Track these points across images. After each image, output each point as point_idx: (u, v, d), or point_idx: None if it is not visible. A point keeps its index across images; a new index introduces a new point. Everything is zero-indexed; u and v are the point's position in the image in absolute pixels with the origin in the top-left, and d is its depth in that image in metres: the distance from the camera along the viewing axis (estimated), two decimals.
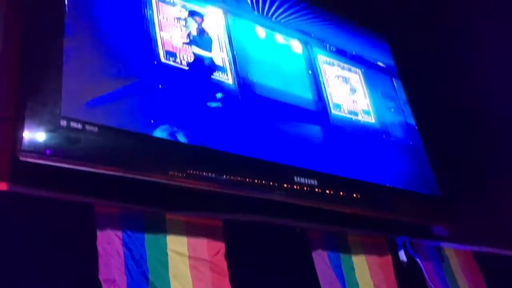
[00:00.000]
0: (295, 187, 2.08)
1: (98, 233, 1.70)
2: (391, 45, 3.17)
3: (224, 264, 1.94)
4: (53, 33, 1.69)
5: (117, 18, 1.91)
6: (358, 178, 2.36)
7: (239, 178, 1.91)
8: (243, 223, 2.05)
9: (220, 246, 1.97)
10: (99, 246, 1.68)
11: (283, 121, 2.26)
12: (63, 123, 1.53)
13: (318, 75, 2.58)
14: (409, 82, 3.06)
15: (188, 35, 2.11)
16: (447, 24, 3.28)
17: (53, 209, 1.65)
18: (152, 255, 1.79)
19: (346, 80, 2.72)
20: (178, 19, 2.13)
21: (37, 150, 1.47)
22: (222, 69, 2.15)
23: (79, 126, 1.56)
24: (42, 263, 1.57)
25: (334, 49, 2.78)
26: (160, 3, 2.09)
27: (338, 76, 2.70)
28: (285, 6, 2.65)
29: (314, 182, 2.14)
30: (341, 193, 2.23)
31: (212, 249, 1.94)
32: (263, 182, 1.98)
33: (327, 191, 2.18)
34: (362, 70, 2.87)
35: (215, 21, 2.28)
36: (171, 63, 1.99)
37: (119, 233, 1.75)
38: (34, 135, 1.48)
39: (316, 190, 2.14)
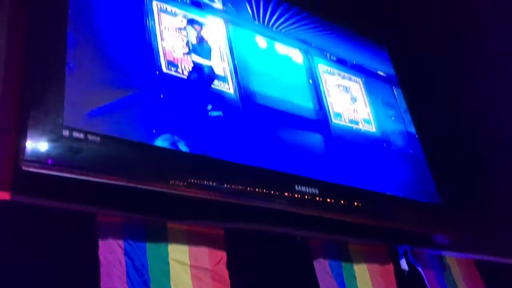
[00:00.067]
0: (296, 195, 2.08)
1: (100, 242, 1.70)
2: (391, 54, 3.19)
3: (225, 273, 1.94)
4: (55, 44, 1.70)
5: (119, 29, 1.93)
6: (359, 187, 2.36)
7: (240, 187, 1.92)
8: (245, 232, 2.05)
9: (222, 255, 1.97)
10: (100, 256, 1.68)
11: (284, 130, 2.27)
12: (66, 132, 1.55)
13: (319, 84, 2.60)
14: (409, 91, 3.07)
15: (188, 43, 2.13)
16: (447, 33, 3.29)
17: (55, 218, 1.66)
18: (153, 264, 1.79)
19: (346, 89, 2.74)
20: (180, 29, 2.15)
21: (39, 159, 1.48)
22: (223, 79, 2.17)
23: (81, 135, 1.57)
24: (44, 272, 1.57)
25: (334, 59, 2.79)
26: (161, 14, 2.11)
27: (339, 85, 2.71)
28: (286, 16, 2.67)
29: (315, 190, 2.14)
30: (342, 202, 2.24)
31: (213, 258, 1.94)
32: (264, 190, 1.99)
33: (328, 200, 2.18)
34: (363, 79, 2.88)
35: (216, 31, 2.30)
36: (173, 73, 2.01)
37: (121, 242, 1.75)
38: (37, 144, 1.49)
39: (317, 198, 2.15)
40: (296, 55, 2.60)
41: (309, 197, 2.12)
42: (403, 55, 3.23)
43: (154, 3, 2.11)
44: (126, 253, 1.75)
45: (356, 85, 2.82)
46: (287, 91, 2.41)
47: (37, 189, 1.60)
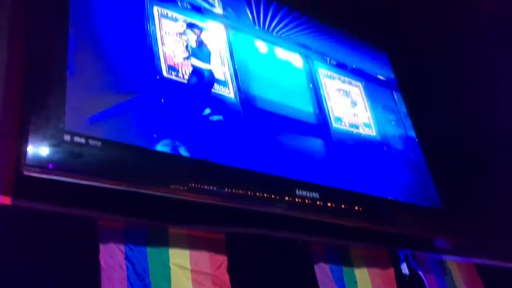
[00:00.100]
0: (296, 200, 2.08)
1: (101, 246, 1.70)
2: (391, 59, 3.20)
3: (226, 278, 1.94)
4: (56, 49, 1.71)
5: (120, 34, 1.94)
6: (360, 191, 2.36)
7: (240, 191, 1.92)
8: (246, 236, 2.05)
9: (223, 259, 1.97)
10: (101, 260, 1.68)
11: (284, 135, 2.27)
12: (67, 137, 1.55)
13: (319, 88, 2.60)
14: (409, 95, 3.08)
15: (187, 47, 2.14)
16: (447, 38, 3.30)
17: (56, 223, 1.66)
18: (154, 268, 1.79)
19: (346, 93, 2.74)
20: (180, 34, 2.15)
21: (40, 164, 1.49)
22: (223, 83, 2.18)
23: (82, 140, 1.58)
24: (45, 276, 1.57)
25: (334, 63, 2.80)
26: (162, 19, 2.12)
27: (339, 90, 2.72)
28: (286, 20, 2.68)
29: (315, 195, 2.15)
30: (342, 206, 2.24)
31: (214, 263, 1.94)
32: (265, 195, 1.99)
33: (329, 204, 2.18)
34: (363, 83, 2.89)
35: (216, 35, 2.31)
36: (173, 77, 2.01)
37: (122, 247, 1.75)
38: (38, 149, 1.49)
39: (318, 203, 2.15)
40: (296, 60, 2.61)
41: (310, 202, 2.12)
42: (403, 59, 3.24)
43: (155, 8, 2.11)
44: (127, 258, 1.75)
45: (356, 89, 2.83)
46: (287, 95, 2.42)
47: (38, 193, 1.60)
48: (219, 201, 1.88)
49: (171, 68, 2.02)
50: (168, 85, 1.97)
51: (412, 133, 2.92)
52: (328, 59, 2.78)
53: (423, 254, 2.70)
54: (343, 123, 2.59)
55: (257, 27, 2.52)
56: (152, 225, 1.85)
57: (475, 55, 3.20)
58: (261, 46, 2.47)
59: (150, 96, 1.88)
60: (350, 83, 2.82)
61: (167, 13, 2.15)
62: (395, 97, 3.02)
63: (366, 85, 2.89)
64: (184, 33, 2.16)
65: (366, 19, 3.15)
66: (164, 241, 1.86)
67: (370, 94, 2.87)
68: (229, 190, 1.90)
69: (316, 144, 2.40)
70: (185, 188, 1.78)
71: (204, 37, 2.23)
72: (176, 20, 2.17)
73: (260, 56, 2.44)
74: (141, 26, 2.02)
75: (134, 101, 1.82)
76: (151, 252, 1.81)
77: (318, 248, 2.32)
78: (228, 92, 2.17)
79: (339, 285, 2.29)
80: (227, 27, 2.37)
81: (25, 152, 1.47)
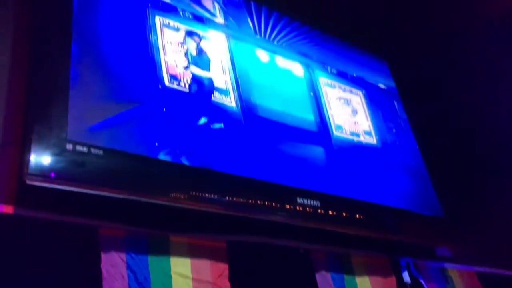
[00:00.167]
0: (297, 208, 2.09)
1: (102, 255, 1.71)
2: (391, 67, 3.22)
3: (227, 286, 1.94)
4: (59, 58, 1.73)
5: (123, 43, 1.95)
6: (361, 199, 2.36)
7: (241, 200, 1.93)
8: (247, 244, 2.05)
9: (224, 267, 1.96)
10: (103, 269, 1.69)
11: (285, 143, 2.28)
12: (69, 146, 1.56)
13: (320, 97, 2.61)
14: (410, 103, 3.08)
15: (187, 55, 2.15)
16: (447, 46, 3.32)
17: (58, 231, 1.66)
18: (156, 277, 1.79)
19: (347, 101, 2.76)
20: (182, 43, 2.17)
21: (43, 173, 1.49)
22: (225, 92, 2.19)
23: (85, 149, 1.59)
24: (47, 285, 1.57)
25: (335, 71, 2.82)
26: (164, 28, 2.13)
27: (340, 98, 2.73)
28: (287, 29, 2.70)
29: (316, 203, 2.15)
30: (344, 214, 2.24)
31: (215, 271, 1.94)
32: (266, 203, 1.99)
33: (330, 212, 2.19)
34: (363, 91, 2.90)
35: (218, 45, 2.33)
36: (175, 86, 2.03)
37: (123, 256, 1.75)
38: (41, 158, 1.50)
39: (319, 211, 2.15)
40: (297, 68, 2.62)
41: (311, 210, 2.12)
42: (404, 67, 3.26)
43: (157, 18, 2.13)
44: (128, 267, 1.75)
45: (357, 98, 2.84)
46: (288, 104, 2.43)
47: (40, 202, 1.61)
48: (220, 209, 1.88)
49: (173, 77, 2.04)
50: (169, 94, 1.98)
51: (413, 141, 2.93)
52: (328, 68, 2.80)
53: (424, 262, 2.70)
54: (344, 131, 2.60)
55: (258, 36, 2.54)
56: (154, 234, 1.86)
57: (476, 64, 3.21)
58: (262, 55, 2.49)
59: (152, 105, 1.89)
60: (350, 91, 2.83)
61: (169, 23, 2.17)
62: (396, 105, 3.03)
63: (366, 94, 2.90)
64: (184, 41, 2.18)
65: (367, 28, 3.17)
66: (165, 250, 1.86)
67: (371, 103, 2.88)
68: (230, 198, 1.90)
69: (317, 152, 2.41)
70: (186, 197, 1.79)
71: (204, 45, 2.24)
72: (177, 29, 2.19)
73: (261, 65, 2.46)
74: (143, 36, 2.04)
75: (136, 110, 1.83)
76: (153, 260, 1.81)
77: (320, 256, 2.32)
78: (229, 101, 2.18)
79: None
80: (228, 36, 2.39)
81: (28, 161, 1.48)
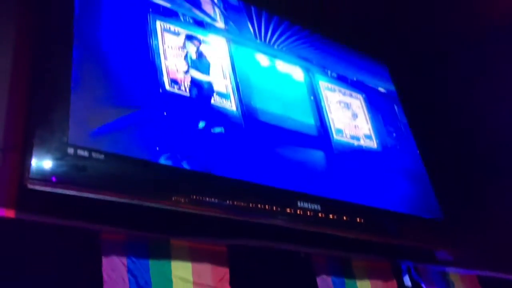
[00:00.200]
0: (298, 212, 2.09)
1: (103, 259, 1.71)
2: (391, 71, 3.22)
3: None
4: (61, 63, 1.74)
5: (124, 48, 1.96)
6: (362, 203, 2.36)
7: (242, 204, 1.93)
8: (248, 248, 2.05)
9: (225, 271, 1.97)
10: (104, 273, 1.69)
11: (286, 147, 2.28)
12: (71, 151, 1.57)
13: (320, 101, 2.62)
14: (410, 107, 3.09)
15: (187, 59, 2.16)
16: (447, 49, 3.33)
17: (59, 236, 1.67)
18: (157, 281, 1.79)
19: (347, 105, 2.76)
20: (182, 48, 2.18)
21: (44, 177, 1.50)
22: (225, 96, 2.19)
23: (86, 153, 1.59)
24: None
25: (335, 75, 2.82)
26: (165, 33, 2.14)
27: (340, 102, 2.73)
28: (287, 34, 2.71)
29: (317, 207, 2.15)
30: (344, 218, 2.24)
31: (216, 275, 1.94)
32: (266, 207, 1.99)
33: (331, 216, 2.19)
34: (363, 95, 2.91)
35: (218, 49, 2.33)
36: (176, 90, 2.03)
37: (124, 260, 1.76)
38: (42, 163, 1.51)
39: (320, 215, 2.15)
40: (297, 72, 2.63)
41: (312, 214, 2.12)
42: (404, 71, 3.26)
43: (158, 23, 2.14)
44: (129, 271, 1.75)
45: (357, 102, 2.84)
46: (288, 108, 2.44)
47: (41, 206, 1.62)
48: (220, 213, 1.89)
49: (173, 81, 2.05)
50: (170, 99, 1.99)
51: (413, 145, 2.93)
52: (328, 72, 2.80)
53: (425, 266, 2.69)
54: (344, 135, 2.60)
55: (258, 41, 2.55)
56: (154, 238, 1.86)
57: (476, 67, 3.22)
58: (263, 59, 2.50)
59: (153, 110, 1.90)
60: (351, 95, 2.83)
61: (169, 28, 2.18)
62: (396, 109, 3.03)
63: (367, 97, 2.91)
64: (184, 45, 2.19)
65: (366, 32, 3.18)
66: (166, 254, 1.86)
67: (371, 106, 2.88)
68: (231, 202, 1.90)
69: (317, 156, 2.41)
70: (187, 201, 1.79)
71: (203, 49, 2.25)
72: (178, 34, 2.20)
73: (261, 69, 2.46)
74: (144, 41, 2.05)
75: (137, 114, 1.84)
76: (154, 265, 1.81)
77: (320, 260, 2.32)
78: (230, 105, 2.19)
79: None
80: (229, 40, 2.40)
81: (29, 165, 1.48)
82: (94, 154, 1.61)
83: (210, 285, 1.90)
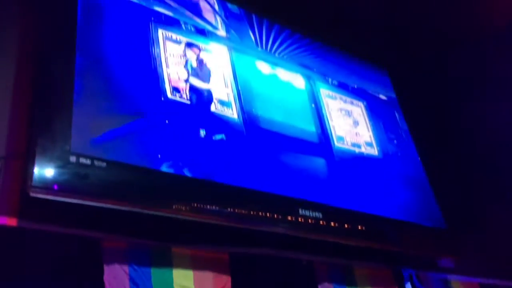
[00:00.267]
0: (299, 219, 2.08)
1: (105, 267, 1.71)
2: (392, 78, 3.23)
3: None
4: (64, 72, 1.75)
5: (126, 56, 1.97)
6: (363, 210, 2.36)
7: (243, 211, 1.93)
8: (249, 256, 2.05)
9: (226, 279, 1.96)
10: (106, 281, 1.69)
11: (287, 154, 2.28)
12: (73, 159, 1.57)
13: (321, 108, 2.63)
14: (410, 114, 3.09)
15: (186, 66, 2.17)
16: (448, 56, 3.34)
17: (61, 244, 1.67)
18: None
19: (348, 113, 2.77)
20: (183, 55, 2.19)
21: (47, 186, 1.50)
22: (227, 104, 2.20)
23: (88, 161, 1.60)
24: None
25: (336, 83, 2.83)
26: (166, 41, 2.16)
27: (341, 109, 2.74)
28: (288, 42, 2.73)
29: (318, 214, 2.15)
30: (346, 226, 2.24)
31: (218, 283, 1.94)
32: (268, 214, 1.99)
33: (332, 224, 2.18)
34: (364, 103, 2.91)
35: (220, 57, 2.35)
36: (178, 98, 2.04)
37: (126, 268, 1.76)
38: (45, 171, 1.51)
39: (321, 222, 2.15)
40: (298, 80, 2.64)
41: (313, 221, 2.12)
42: (404, 78, 3.27)
43: (160, 31, 2.16)
44: (131, 279, 1.75)
45: (358, 109, 2.85)
46: (290, 115, 2.44)
47: (43, 215, 1.62)
48: (222, 221, 1.88)
49: (175, 89, 2.05)
50: (172, 106, 2.00)
51: (414, 152, 2.93)
52: (329, 79, 2.81)
53: (427, 274, 2.69)
54: (345, 142, 2.61)
55: (259, 49, 2.56)
56: (156, 246, 1.86)
57: (476, 73, 3.23)
58: (264, 67, 2.51)
59: (155, 118, 1.90)
60: (351, 103, 2.84)
61: (171, 36, 2.20)
62: (397, 116, 3.04)
63: (367, 105, 2.92)
64: (184, 53, 2.20)
65: (367, 39, 3.19)
66: (168, 262, 1.86)
67: (372, 114, 2.89)
68: (232, 209, 1.90)
69: (318, 163, 2.41)
70: (188, 208, 1.79)
71: (204, 56, 2.26)
72: (180, 42, 2.22)
73: (262, 77, 2.47)
74: (146, 49, 2.06)
75: (139, 122, 1.84)
76: (155, 273, 1.81)
77: (322, 267, 2.31)
78: (231, 113, 2.20)
79: None
80: (230, 49, 2.41)
81: (32, 173, 1.49)
82: (96, 162, 1.61)
83: None
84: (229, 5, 2.59)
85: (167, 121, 1.93)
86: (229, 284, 1.96)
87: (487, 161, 3.10)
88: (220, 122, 2.12)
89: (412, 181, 2.79)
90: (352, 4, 3.04)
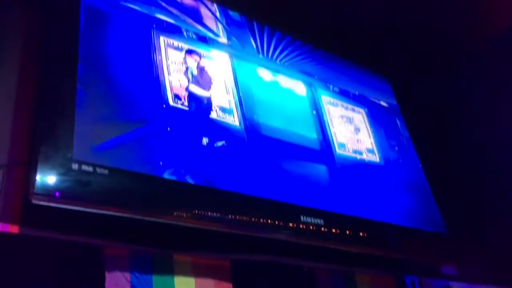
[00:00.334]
0: (301, 226, 2.08)
1: (107, 275, 1.71)
2: (393, 85, 3.24)
3: None
4: (66, 79, 1.75)
5: (128, 63, 1.98)
6: (365, 217, 2.36)
7: (244, 218, 1.93)
8: (251, 263, 2.05)
9: (228, 286, 1.96)
10: None
11: (288, 161, 2.29)
12: (75, 166, 1.58)
13: (322, 115, 2.63)
14: (411, 121, 3.10)
15: (187, 73, 2.17)
16: (449, 64, 3.35)
17: (62, 251, 1.67)
18: None
19: (350, 119, 2.77)
20: (184, 63, 2.20)
21: (49, 193, 1.51)
22: (228, 111, 2.21)
23: (90, 169, 1.60)
24: None
25: (337, 90, 2.84)
26: (168, 49, 2.17)
27: (342, 116, 2.75)
28: (289, 49, 2.74)
29: (320, 221, 2.15)
30: (347, 232, 2.23)
31: None
32: (269, 221, 1.99)
33: (334, 230, 2.18)
34: (366, 109, 2.92)
35: (221, 64, 2.36)
36: (179, 106, 2.05)
37: (127, 275, 1.76)
38: (46, 178, 1.52)
39: (323, 229, 2.15)
40: (300, 87, 2.65)
41: (314, 228, 2.12)
42: (405, 85, 3.28)
43: (162, 39, 2.17)
44: (132, 286, 1.75)
45: (359, 116, 2.86)
46: (291, 122, 2.45)
47: (45, 222, 1.62)
48: (223, 228, 1.88)
49: (177, 96, 2.06)
50: (174, 114, 2.00)
51: (415, 159, 2.93)
52: (331, 86, 2.82)
53: (429, 281, 2.68)
54: (346, 149, 2.61)
55: (261, 56, 2.57)
56: (158, 253, 1.86)
57: (478, 78, 3.23)
58: (265, 74, 2.52)
59: (157, 125, 1.91)
60: (353, 109, 2.85)
61: (173, 43, 2.21)
62: (398, 123, 3.05)
63: (369, 112, 2.92)
64: (185, 60, 2.21)
65: (368, 46, 3.20)
66: (169, 269, 1.86)
67: (373, 120, 2.90)
68: (233, 216, 1.90)
69: (320, 170, 2.42)
70: (189, 215, 1.79)
71: (205, 63, 2.27)
72: (181, 49, 2.23)
73: (264, 84, 2.48)
74: (148, 56, 2.07)
75: (141, 129, 1.85)
76: (157, 280, 1.81)
77: (323, 274, 2.31)
78: (233, 120, 2.20)
79: None
80: (231, 56, 2.43)
81: (34, 181, 1.49)
82: (98, 170, 1.62)
83: None
84: (231, 13, 2.61)
85: (169, 129, 1.94)
86: None
87: (489, 167, 3.10)
88: (222, 129, 2.13)
89: (414, 188, 2.78)
90: (353, 12, 3.05)
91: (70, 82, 1.75)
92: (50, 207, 1.53)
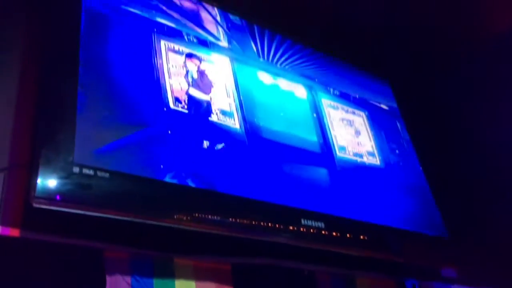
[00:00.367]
0: (301, 229, 2.08)
1: (107, 278, 1.71)
2: (393, 88, 3.24)
3: None
4: (67, 82, 1.76)
5: (129, 67, 1.99)
6: (365, 220, 2.36)
7: (245, 221, 1.92)
8: (252, 266, 2.05)
9: None
10: None
11: (289, 164, 2.29)
12: (76, 169, 1.58)
13: (323, 118, 2.64)
14: (412, 123, 3.10)
15: (187, 76, 2.18)
16: (450, 66, 3.35)
17: (63, 254, 1.67)
18: None
19: (350, 122, 2.78)
20: (184, 66, 2.21)
21: (50, 196, 1.51)
22: (229, 114, 2.21)
23: (91, 172, 1.60)
24: None
25: (338, 93, 2.85)
26: (169, 52, 2.17)
27: (343, 119, 2.75)
28: (290, 52, 2.74)
29: (320, 224, 2.15)
30: (348, 235, 2.23)
31: None
32: (269, 224, 1.99)
33: (334, 233, 2.18)
34: (366, 112, 2.92)
35: (222, 68, 2.36)
36: (180, 109, 2.05)
37: (128, 279, 1.76)
38: (48, 181, 1.52)
39: (323, 232, 2.14)
40: (300, 90, 2.65)
41: (315, 231, 2.12)
42: (406, 88, 3.28)
43: (162, 43, 2.18)
44: None
45: (359, 119, 2.86)
46: (292, 125, 2.45)
47: (46, 225, 1.62)
48: (223, 231, 1.88)
49: (177, 100, 2.07)
50: (174, 117, 2.01)
51: (415, 162, 2.94)
52: (331, 89, 2.83)
53: (430, 284, 2.68)
54: (347, 152, 2.61)
55: (261, 59, 2.58)
56: (158, 256, 1.86)
57: (479, 81, 3.23)
58: (266, 77, 2.52)
59: (158, 128, 1.91)
60: (353, 112, 2.85)
61: (173, 47, 2.21)
62: (399, 126, 3.05)
63: (369, 115, 2.93)
64: (185, 64, 2.21)
65: (368, 49, 3.20)
66: (170, 273, 1.86)
67: (374, 123, 2.90)
68: (234, 219, 1.90)
69: (320, 173, 2.42)
70: (190, 218, 1.79)
71: (205, 67, 2.28)
72: (182, 53, 2.23)
73: (264, 87, 2.49)
74: (148, 60, 2.08)
75: (142, 133, 1.86)
76: (158, 283, 1.81)
77: (324, 277, 2.31)
78: (234, 123, 2.21)
79: None
80: (232, 59, 2.43)
81: (35, 184, 1.49)
82: (99, 173, 1.62)
83: None
84: (231, 16, 2.61)
85: (169, 132, 1.94)
86: None
87: (490, 170, 3.10)
88: (223, 133, 2.14)
89: (414, 191, 2.79)
90: (353, 15, 3.06)
91: (71, 86, 1.75)
92: (51, 210, 1.53)
